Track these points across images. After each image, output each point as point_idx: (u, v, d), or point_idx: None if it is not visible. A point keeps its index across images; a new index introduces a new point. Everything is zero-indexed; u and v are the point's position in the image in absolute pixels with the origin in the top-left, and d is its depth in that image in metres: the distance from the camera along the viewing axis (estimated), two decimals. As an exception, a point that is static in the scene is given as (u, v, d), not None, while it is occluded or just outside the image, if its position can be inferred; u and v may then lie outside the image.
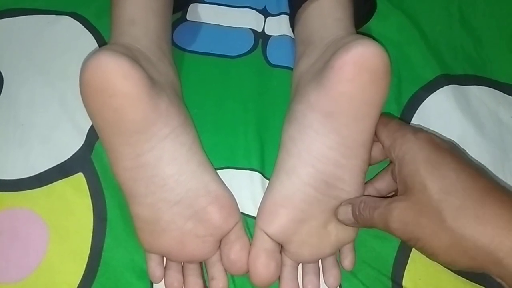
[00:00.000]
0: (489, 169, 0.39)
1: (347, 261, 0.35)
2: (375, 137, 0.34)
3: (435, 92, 0.42)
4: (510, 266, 0.26)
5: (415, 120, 0.41)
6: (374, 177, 0.36)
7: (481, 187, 0.28)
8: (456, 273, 0.35)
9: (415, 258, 0.36)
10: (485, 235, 0.27)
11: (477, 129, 0.41)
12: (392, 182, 0.35)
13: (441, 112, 0.42)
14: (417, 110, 0.42)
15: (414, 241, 0.29)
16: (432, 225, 0.28)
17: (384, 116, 0.34)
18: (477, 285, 0.35)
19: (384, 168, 0.36)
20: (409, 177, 0.29)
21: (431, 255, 0.29)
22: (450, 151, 0.30)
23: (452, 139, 0.40)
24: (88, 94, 0.31)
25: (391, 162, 0.34)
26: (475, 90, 0.43)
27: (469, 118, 0.41)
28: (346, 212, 0.33)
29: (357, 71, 0.31)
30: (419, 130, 0.31)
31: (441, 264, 0.30)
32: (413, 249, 0.36)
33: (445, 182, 0.28)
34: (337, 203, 0.33)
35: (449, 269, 0.34)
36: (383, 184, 0.35)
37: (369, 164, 0.35)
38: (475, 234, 0.27)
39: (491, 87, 0.43)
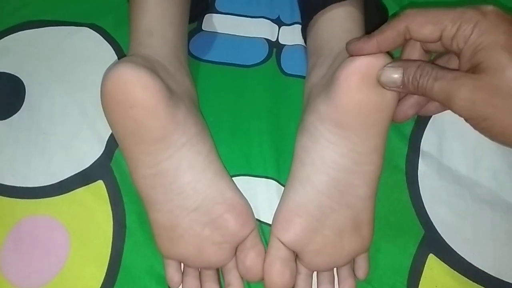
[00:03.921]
0: (505, 176, 0.39)
1: (361, 271, 0.35)
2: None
3: (449, 100, 0.42)
4: None
5: (429, 128, 0.41)
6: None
7: None
8: (474, 281, 0.35)
9: (431, 265, 0.36)
10: None
11: (492, 136, 0.41)
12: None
13: (455, 119, 0.41)
14: (432, 118, 0.42)
15: (479, 120, 0.28)
16: (506, 105, 0.27)
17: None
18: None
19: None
20: (485, 60, 0.27)
21: (498, 135, 0.28)
22: None
23: (467, 146, 0.40)
24: (109, 105, 0.32)
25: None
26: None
27: (484, 125, 0.41)
28: (390, 75, 0.30)
29: (362, 81, 0.31)
30: (481, 7, 0.27)
31: (507, 144, 0.29)
32: (429, 257, 0.36)
33: None
34: (351, 212, 0.33)
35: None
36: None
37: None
38: None
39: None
